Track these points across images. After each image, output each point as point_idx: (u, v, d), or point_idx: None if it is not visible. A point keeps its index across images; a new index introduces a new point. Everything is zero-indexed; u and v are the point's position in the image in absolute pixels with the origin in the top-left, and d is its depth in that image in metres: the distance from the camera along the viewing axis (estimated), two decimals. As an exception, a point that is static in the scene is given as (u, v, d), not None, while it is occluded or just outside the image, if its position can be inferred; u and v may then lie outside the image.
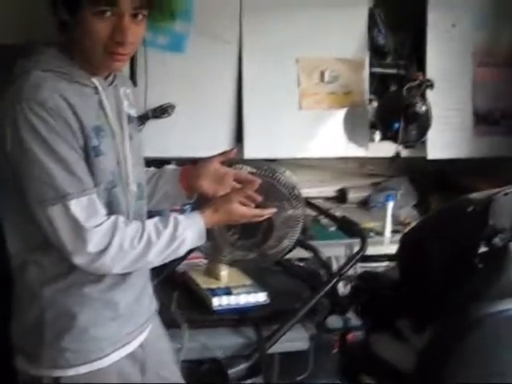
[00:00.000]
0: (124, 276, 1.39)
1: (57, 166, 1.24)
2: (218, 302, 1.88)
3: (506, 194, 1.64)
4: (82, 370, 1.36)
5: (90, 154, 1.29)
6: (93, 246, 1.26)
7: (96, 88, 1.34)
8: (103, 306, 1.39)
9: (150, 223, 1.35)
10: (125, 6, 1.25)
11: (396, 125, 2.63)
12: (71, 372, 1.36)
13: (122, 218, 1.32)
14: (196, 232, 1.39)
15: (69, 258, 1.28)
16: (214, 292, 1.91)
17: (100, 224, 1.28)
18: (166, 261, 1.39)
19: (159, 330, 1.62)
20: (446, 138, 2.89)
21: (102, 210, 1.30)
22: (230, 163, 1.62)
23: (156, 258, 1.34)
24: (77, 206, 1.25)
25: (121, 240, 1.29)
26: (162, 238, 1.33)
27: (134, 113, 1.48)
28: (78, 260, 1.28)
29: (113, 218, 1.31)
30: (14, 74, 1.28)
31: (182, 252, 1.39)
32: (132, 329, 1.46)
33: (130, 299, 1.44)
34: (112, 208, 1.34)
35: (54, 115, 1.23)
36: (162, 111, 2.57)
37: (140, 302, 1.48)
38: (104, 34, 1.26)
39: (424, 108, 2.65)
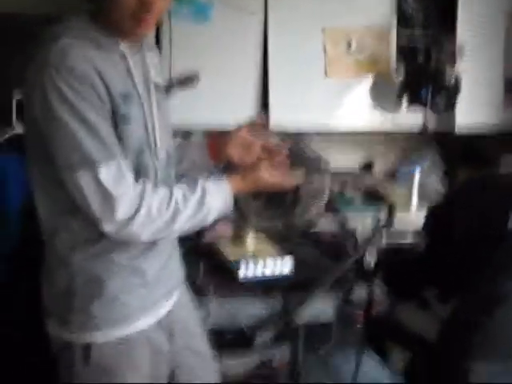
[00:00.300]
0: (152, 243, 1.40)
1: (85, 132, 1.23)
2: (244, 271, 1.89)
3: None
4: (112, 334, 1.38)
5: (118, 121, 1.29)
6: (121, 212, 1.26)
7: (124, 55, 1.34)
8: (131, 272, 1.40)
9: (178, 190, 1.34)
10: None
11: (424, 92, 2.58)
12: (101, 336, 1.37)
13: (149, 185, 1.32)
14: (223, 199, 1.38)
15: (98, 225, 1.28)
16: (241, 262, 1.92)
17: (128, 191, 1.28)
18: (194, 228, 1.39)
19: (186, 298, 1.63)
20: (475, 109, 2.83)
21: (130, 177, 1.30)
22: (257, 132, 1.61)
23: (184, 224, 1.34)
24: (105, 173, 1.25)
25: (149, 207, 1.29)
26: (189, 205, 1.33)
27: (160, 81, 1.48)
28: (107, 227, 1.28)
29: (141, 185, 1.31)
30: (43, 41, 1.28)
31: (209, 219, 1.39)
32: (160, 295, 1.47)
33: (157, 266, 1.44)
34: (140, 175, 1.34)
35: (81, 81, 1.22)
36: (186, 81, 2.55)
37: (167, 269, 1.49)
38: (132, 1, 1.25)
39: (453, 75, 2.58)
